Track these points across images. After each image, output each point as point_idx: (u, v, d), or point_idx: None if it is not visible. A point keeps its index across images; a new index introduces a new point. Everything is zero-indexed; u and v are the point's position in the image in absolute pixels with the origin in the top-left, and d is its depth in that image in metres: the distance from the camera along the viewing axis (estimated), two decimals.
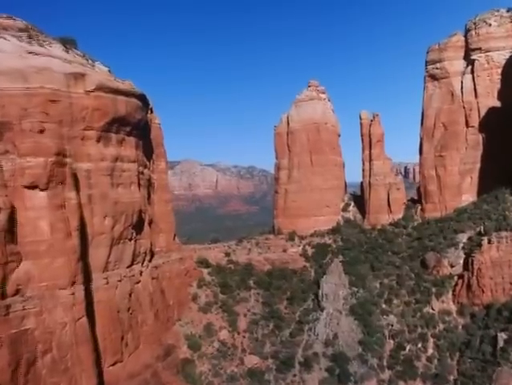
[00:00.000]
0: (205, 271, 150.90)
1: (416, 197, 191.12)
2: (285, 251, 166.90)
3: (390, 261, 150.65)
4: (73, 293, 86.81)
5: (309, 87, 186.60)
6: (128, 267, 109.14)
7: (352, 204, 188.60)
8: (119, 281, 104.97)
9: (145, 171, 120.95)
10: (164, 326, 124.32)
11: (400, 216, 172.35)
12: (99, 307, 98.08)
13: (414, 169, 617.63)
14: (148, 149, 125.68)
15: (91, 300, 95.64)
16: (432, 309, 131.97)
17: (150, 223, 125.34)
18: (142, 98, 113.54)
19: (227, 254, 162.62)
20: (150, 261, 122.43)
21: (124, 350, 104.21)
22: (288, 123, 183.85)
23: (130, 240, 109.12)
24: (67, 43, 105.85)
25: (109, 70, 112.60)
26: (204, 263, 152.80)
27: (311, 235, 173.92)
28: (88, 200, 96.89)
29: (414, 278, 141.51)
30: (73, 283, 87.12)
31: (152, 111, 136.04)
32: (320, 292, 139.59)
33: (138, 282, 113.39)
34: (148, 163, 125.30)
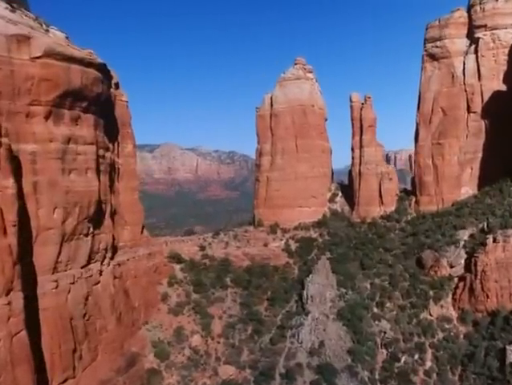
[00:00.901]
0: (177, 267, 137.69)
1: (404, 188, 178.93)
2: (266, 245, 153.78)
3: (382, 259, 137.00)
4: (9, 303, 70.51)
5: (295, 64, 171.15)
6: (83, 267, 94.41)
7: (340, 194, 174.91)
8: (73, 283, 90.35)
9: (107, 154, 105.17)
10: (129, 331, 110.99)
11: (393, 208, 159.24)
12: (45, 316, 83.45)
13: (396, 157, 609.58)
14: (111, 129, 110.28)
15: (36, 308, 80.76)
16: (430, 314, 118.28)
17: (113, 214, 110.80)
18: (102, 69, 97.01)
19: (202, 248, 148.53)
20: (112, 258, 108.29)
21: (78, 364, 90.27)
22: (272, 105, 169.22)
23: (86, 235, 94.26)
24: (15, 2, 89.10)
25: (67, 37, 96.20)
26: (176, 258, 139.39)
27: (295, 228, 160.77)
28: (33, 188, 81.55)
29: (409, 279, 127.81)
30: (9, 291, 70.77)
31: (117, 87, 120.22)
32: (305, 293, 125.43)
33: (97, 283, 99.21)
34: (110, 145, 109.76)
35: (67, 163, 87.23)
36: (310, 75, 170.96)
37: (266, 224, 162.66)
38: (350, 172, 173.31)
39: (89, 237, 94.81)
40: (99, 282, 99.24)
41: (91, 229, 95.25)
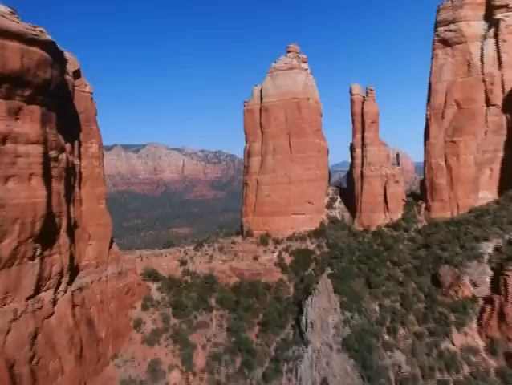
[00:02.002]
0: (154, 287, 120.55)
1: (412, 192, 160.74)
2: (256, 259, 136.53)
3: (390, 275, 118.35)
4: None
5: (288, 52, 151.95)
6: (30, 298, 76.20)
7: (339, 199, 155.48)
8: (14, 320, 72.12)
9: (62, 156, 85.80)
10: (92, 370, 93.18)
11: (399, 215, 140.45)
12: None
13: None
14: (69, 126, 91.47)
15: None
16: (453, 344, 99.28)
17: (73, 228, 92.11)
18: (52, 48, 76.96)
19: (183, 263, 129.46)
20: (70, 282, 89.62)
21: None
22: (261, 98, 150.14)
23: (32, 258, 76.01)
24: None
25: (13, 13, 76.35)
26: (152, 276, 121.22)
27: (289, 238, 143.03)
28: None
29: (424, 300, 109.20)
30: None
31: (78, 75, 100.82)
32: (303, 319, 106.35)
33: (49, 316, 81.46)
34: (68, 145, 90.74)
35: (2, 168, 68.75)
36: (304, 65, 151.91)
37: (256, 235, 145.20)
38: (349, 174, 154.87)
39: (36, 261, 76.86)
40: (52, 314, 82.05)
41: (39, 251, 77.16)
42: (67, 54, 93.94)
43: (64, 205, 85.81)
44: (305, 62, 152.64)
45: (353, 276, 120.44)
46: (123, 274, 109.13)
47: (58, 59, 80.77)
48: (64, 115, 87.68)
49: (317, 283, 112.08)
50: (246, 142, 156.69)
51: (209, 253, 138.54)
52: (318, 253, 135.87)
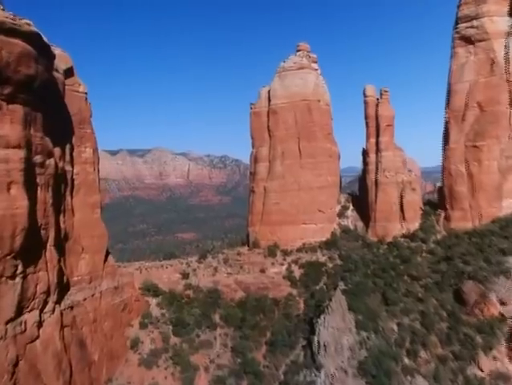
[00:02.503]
0: (153, 302, 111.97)
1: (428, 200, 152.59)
2: (263, 271, 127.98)
3: (409, 291, 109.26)
4: None
5: (298, 51, 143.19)
6: (10, 321, 68.01)
7: (351, 207, 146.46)
8: None
9: (49, 162, 77.76)
10: None
11: (417, 225, 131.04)
12: None
13: None
14: (59, 128, 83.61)
15: None
16: (481, 369, 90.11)
17: (63, 241, 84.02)
18: (36, 41, 68.65)
19: (185, 276, 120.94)
20: (59, 301, 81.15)
21: None
22: (269, 100, 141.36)
23: (12, 277, 68.16)
24: None
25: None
26: (151, 290, 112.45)
27: (299, 249, 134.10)
28: None
29: (447, 319, 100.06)
30: None
31: (71, 73, 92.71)
32: (316, 340, 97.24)
33: (34, 340, 73.22)
34: (57, 149, 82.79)
35: None
36: (314, 65, 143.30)
37: (263, 245, 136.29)
38: (362, 181, 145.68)
39: (18, 279, 68.86)
40: (37, 338, 73.68)
41: (21, 268, 69.16)
42: (57, 51, 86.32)
43: (52, 216, 77.72)
44: (315, 62, 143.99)
45: (368, 291, 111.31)
46: (119, 289, 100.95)
47: (45, 54, 72.40)
48: (53, 117, 79.63)
49: (330, 300, 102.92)
50: (253, 147, 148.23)
51: (213, 265, 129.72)
52: (330, 265, 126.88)
